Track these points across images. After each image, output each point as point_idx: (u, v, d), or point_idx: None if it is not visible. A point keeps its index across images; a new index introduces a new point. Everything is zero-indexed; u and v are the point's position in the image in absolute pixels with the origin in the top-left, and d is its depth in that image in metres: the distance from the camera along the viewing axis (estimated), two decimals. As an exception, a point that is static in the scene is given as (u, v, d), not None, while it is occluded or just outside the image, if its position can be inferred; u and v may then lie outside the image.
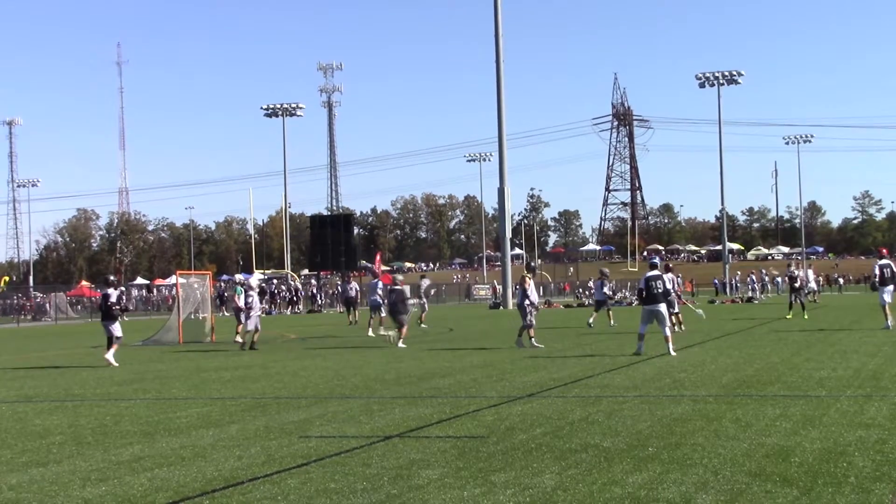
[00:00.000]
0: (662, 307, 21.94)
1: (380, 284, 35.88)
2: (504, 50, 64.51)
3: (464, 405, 13.95)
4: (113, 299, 25.11)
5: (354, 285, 48.46)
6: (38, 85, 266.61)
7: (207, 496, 8.45)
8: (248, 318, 30.29)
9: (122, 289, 24.20)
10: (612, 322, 36.57)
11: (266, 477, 9.16)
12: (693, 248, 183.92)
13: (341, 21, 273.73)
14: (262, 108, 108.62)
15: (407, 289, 30.48)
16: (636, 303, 21.86)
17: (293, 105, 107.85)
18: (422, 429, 11.83)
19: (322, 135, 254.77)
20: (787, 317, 38.15)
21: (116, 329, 24.81)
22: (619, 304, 63.41)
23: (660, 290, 21.84)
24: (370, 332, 33.98)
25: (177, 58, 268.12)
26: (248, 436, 11.70)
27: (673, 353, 21.26)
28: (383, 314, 33.78)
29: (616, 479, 8.56)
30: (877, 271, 29.13)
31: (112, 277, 27.80)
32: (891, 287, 28.74)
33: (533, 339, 25.60)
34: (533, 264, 32.26)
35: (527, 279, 26.35)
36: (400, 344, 27.08)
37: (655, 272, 22.15)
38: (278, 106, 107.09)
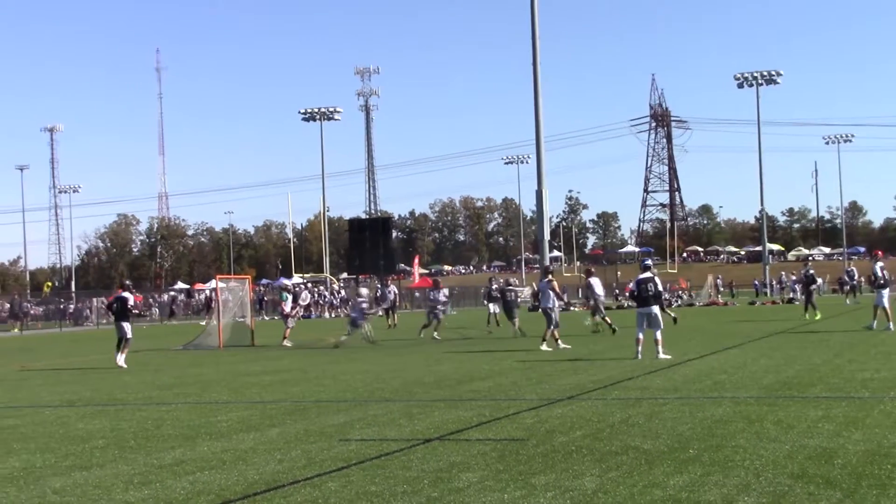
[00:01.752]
0: (655, 309, 21.76)
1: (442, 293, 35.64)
2: (541, 51, 64.39)
3: (503, 408, 13.94)
4: (131, 302, 26.73)
5: (393, 288, 48.57)
6: (78, 91, 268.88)
7: (249, 499, 8.49)
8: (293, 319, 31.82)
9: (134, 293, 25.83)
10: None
11: (307, 480, 9.19)
12: (732, 249, 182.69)
13: (378, 25, 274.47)
14: (300, 112, 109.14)
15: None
16: (634, 305, 21.86)
17: (331, 109, 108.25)
18: (461, 432, 11.83)
19: (360, 138, 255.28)
20: (816, 318, 37.63)
21: (129, 330, 26.21)
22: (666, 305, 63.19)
23: (651, 293, 21.72)
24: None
25: (215, 63, 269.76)
26: (288, 439, 11.74)
27: (663, 357, 20.99)
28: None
29: (657, 481, 8.52)
30: (879, 273, 29.16)
31: (128, 282, 29.47)
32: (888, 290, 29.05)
33: (559, 341, 25.81)
34: (549, 266, 32.02)
35: (555, 281, 26.46)
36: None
37: (648, 274, 21.93)
38: (316, 110, 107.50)
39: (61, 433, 13.29)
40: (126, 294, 26.86)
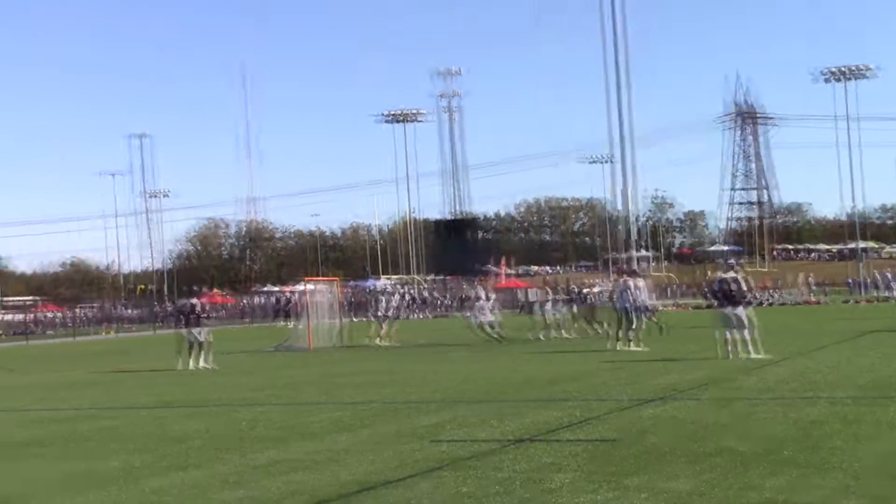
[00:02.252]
0: (738, 309, 21.27)
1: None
2: (625, 49, 64.00)
3: (594, 408, 13.87)
4: (199, 308, 27.48)
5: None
6: (167, 97, 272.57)
7: (342, 500, 8.56)
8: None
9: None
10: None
11: (399, 481, 9.23)
12: (824, 246, 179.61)
13: (460, 26, 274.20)
14: (384, 114, 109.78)
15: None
16: (715, 304, 21.58)
17: (415, 111, 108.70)
18: (553, 432, 11.79)
19: (444, 140, 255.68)
20: None
21: (203, 334, 26.82)
22: (749, 304, 62.31)
23: (734, 292, 21.29)
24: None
25: (300, 67, 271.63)
26: (380, 440, 11.81)
27: (755, 357, 20.56)
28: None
29: (752, 483, 8.41)
30: None
31: (196, 287, 30.38)
32: None
33: (631, 344, 25.60)
34: (635, 267, 31.47)
35: (632, 282, 26.30)
36: (624, 347, 25.64)
37: (731, 274, 21.65)
38: (400, 112, 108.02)
39: (158, 434, 13.52)
40: (194, 300, 27.81)
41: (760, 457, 9.55)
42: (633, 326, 25.79)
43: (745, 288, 22.00)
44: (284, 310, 73.60)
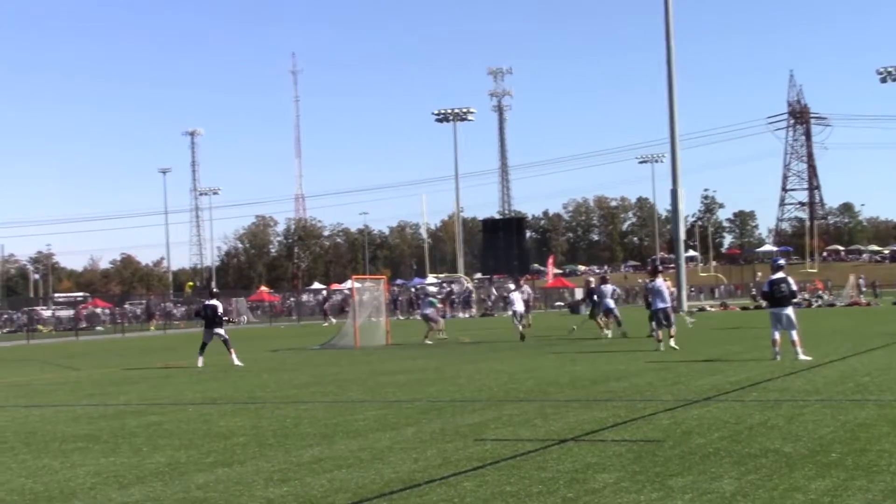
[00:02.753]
0: (789, 310, 21.28)
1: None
2: (675, 48, 63.54)
3: (639, 409, 13.82)
4: (220, 310, 28.19)
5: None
6: (217, 96, 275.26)
7: (386, 498, 8.57)
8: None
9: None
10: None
11: (442, 479, 9.24)
12: (875, 248, 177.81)
13: (511, 25, 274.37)
14: (433, 113, 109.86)
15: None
16: (765, 305, 21.82)
17: (464, 110, 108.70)
18: (597, 432, 11.76)
19: (493, 138, 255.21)
20: None
21: (223, 332, 27.59)
22: (798, 306, 61.91)
23: (785, 293, 21.31)
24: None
25: (349, 65, 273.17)
26: (424, 438, 11.82)
27: (803, 358, 20.50)
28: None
29: (798, 485, 8.35)
30: None
31: (216, 289, 31.97)
32: None
33: (672, 341, 25.66)
34: (659, 267, 31.75)
35: (668, 281, 26.50)
36: (662, 347, 25.75)
37: (780, 274, 21.57)
38: (449, 111, 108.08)
39: (204, 430, 13.62)
40: (215, 302, 28.28)
41: (806, 458, 9.47)
42: (666, 326, 25.90)
43: (794, 288, 22.05)
44: (322, 308, 74.12)
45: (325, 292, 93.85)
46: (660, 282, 26.77)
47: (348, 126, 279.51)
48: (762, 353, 23.04)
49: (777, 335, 21.31)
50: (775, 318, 21.42)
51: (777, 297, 21.37)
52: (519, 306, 36.49)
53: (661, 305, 25.99)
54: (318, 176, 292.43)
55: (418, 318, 38.61)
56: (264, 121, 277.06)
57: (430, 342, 34.40)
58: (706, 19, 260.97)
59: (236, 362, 26.71)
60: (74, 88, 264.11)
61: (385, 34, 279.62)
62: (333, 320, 66.49)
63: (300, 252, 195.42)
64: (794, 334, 21.11)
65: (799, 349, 20.89)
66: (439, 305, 36.50)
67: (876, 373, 17.60)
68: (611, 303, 33.67)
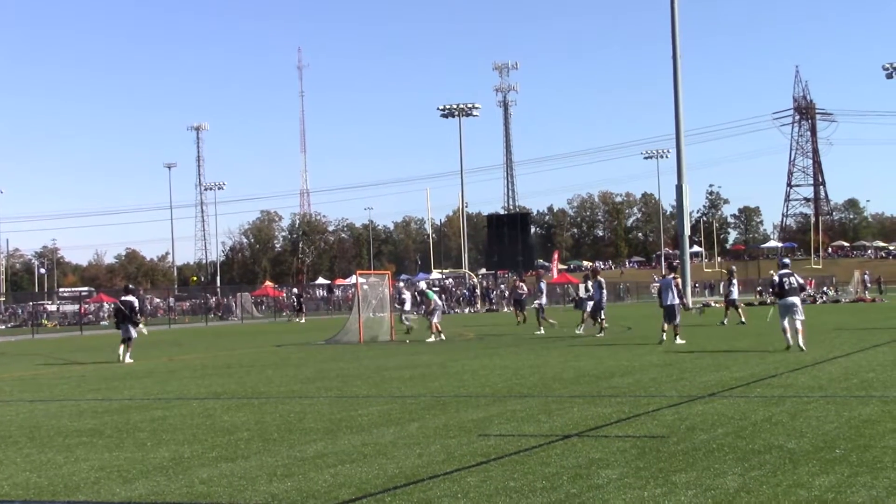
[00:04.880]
0: (797, 300, 22.85)
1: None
2: (681, 44, 63.40)
3: (643, 404, 13.81)
4: (136, 305, 29.22)
5: (523, 285, 48.53)
6: (223, 90, 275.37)
7: (389, 493, 8.57)
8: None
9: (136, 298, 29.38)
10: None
11: (446, 475, 9.24)
12: (881, 244, 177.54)
13: (516, 20, 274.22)
14: (438, 108, 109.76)
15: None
16: (776, 298, 23.39)
17: (469, 105, 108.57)
18: (601, 428, 11.75)
19: (498, 134, 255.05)
20: None
21: (133, 331, 28.82)
22: (804, 302, 61.95)
23: (794, 286, 23.00)
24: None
25: (354, 60, 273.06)
26: (428, 434, 11.82)
27: (803, 349, 21.84)
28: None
29: (802, 481, 8.34)
30: None
31: (132, 286, 32.84)
32: None
33: (678, 337, 26.46)
34: (675, 263, 32.66)
35: (677, 279, 27.56)
36: (678, 340, 26.58)
37: (787, 270, 23.41)
38: (454, 106, 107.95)
39: (208, 425, 13.63)
40: (131, 298, 29.38)
41: (810, 455, 9.46)
42: (673, 323, 26.85)
43: (802, 282, 23.85)
44: (298, 305, 74.04)
45: (295, 289, 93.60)
46: (669, 278, 27.77)
47: (353, 121, 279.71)
48: (766, 348, 23.07)
49: (786, 324, 22.70)
50: (785, 309, 22.77)
51: (787, 289, 22.88)
52: (543, 299, 37.85)
53: (668, 302, 27.14)
54: (323, 171, 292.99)
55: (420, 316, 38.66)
56: (270, 116, 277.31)
57: (431, 340, 34.10)
58: (712, 15, 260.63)
59: (126, 360, 28.04)
60: (80, 83, 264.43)
61: (391, 29, 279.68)
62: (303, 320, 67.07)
63: (305, 247, 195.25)
64: (800, 324, 22.40)
65: (801, 338, 22.20)
66: (436, 300, 36.22)
67: (880, 369, 17.59)
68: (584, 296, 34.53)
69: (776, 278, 23.40)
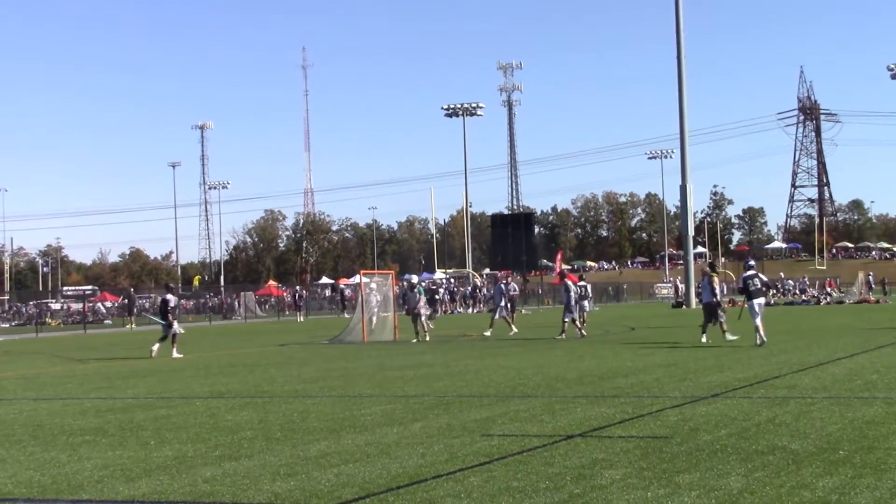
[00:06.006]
0: (762, 300, 25.29)
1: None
2: (685, 44, 63.47)
3: (647, 405, 13.81)
4: (172, 303, 29.87)
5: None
6: (227, 89, 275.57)
7: (392, 492, 8.57)
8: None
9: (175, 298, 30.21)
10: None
11: (449, 475, 9.24)
12: (885, 245, 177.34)
13: (521, 20, 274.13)
14: (442, 108, 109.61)
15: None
16: (745, 299, 24.56)
17: (473, 105, 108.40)
18: (604, 428, 11.75)
19: (502, 134, 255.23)
20: None
21: (176, 327, 29.61)
22: (807, 303, 62.13)
23: (758, 287, 25.22)
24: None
25: (359, 59, 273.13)
26: (431, 433, 11.82)
27: (759, 341, 24.20)
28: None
29: (805, 482, 8.34)
30: None
31: (172, 285, 32.61)
32: None
33: (727, 334, 26.91)
34: (714, 263, 32.80)
35: (715, 277, 27.83)
36: (704, 339, 27.16)
37: (752, 272, 25.53)
38: (459, 106, 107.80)
39: (211, 424, 13.63)
40: (169, 296, 30.14)
41: (814, 456, 9.46)
42: (722, 320, 27.35)
43: (766, 280, 25.97)
44: (297, 304, 74.00)
45: (298, 287, 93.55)
46: (707, 279, 28.13)
47: (358, 120, 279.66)
48: (770, 349, 23.06)
49: (758, 322, 24.68)
50: (752, 308, 24.97)
51: (751, 290, 25.13)
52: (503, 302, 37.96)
53: (704, 300, 28.39)
54: (327, 170, 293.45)
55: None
56: (274, 115, 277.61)
57: (428, 339, 34.07)
58: (716, 15, 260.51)
59: (174, 355, 28.64)
60: (84, 82, 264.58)
61: (395, 28, 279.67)
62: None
63: (309, 246, 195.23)
64: (759, 320, 24.65)
65: (760, 333, 24.48)
66: (421, 297, 36.21)
67: (884, 370, 17.58)
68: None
69: (741, 281, 25.25)
